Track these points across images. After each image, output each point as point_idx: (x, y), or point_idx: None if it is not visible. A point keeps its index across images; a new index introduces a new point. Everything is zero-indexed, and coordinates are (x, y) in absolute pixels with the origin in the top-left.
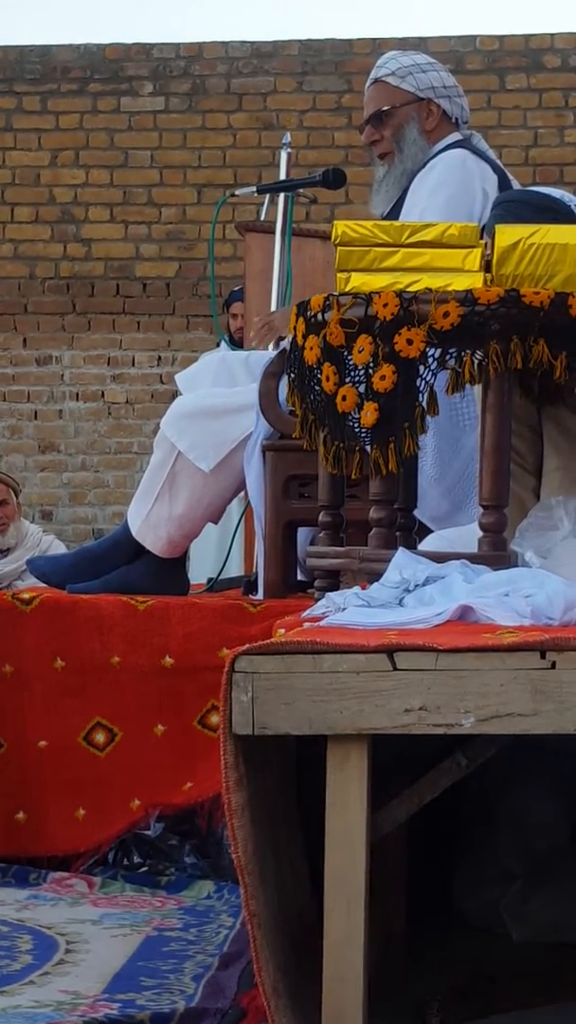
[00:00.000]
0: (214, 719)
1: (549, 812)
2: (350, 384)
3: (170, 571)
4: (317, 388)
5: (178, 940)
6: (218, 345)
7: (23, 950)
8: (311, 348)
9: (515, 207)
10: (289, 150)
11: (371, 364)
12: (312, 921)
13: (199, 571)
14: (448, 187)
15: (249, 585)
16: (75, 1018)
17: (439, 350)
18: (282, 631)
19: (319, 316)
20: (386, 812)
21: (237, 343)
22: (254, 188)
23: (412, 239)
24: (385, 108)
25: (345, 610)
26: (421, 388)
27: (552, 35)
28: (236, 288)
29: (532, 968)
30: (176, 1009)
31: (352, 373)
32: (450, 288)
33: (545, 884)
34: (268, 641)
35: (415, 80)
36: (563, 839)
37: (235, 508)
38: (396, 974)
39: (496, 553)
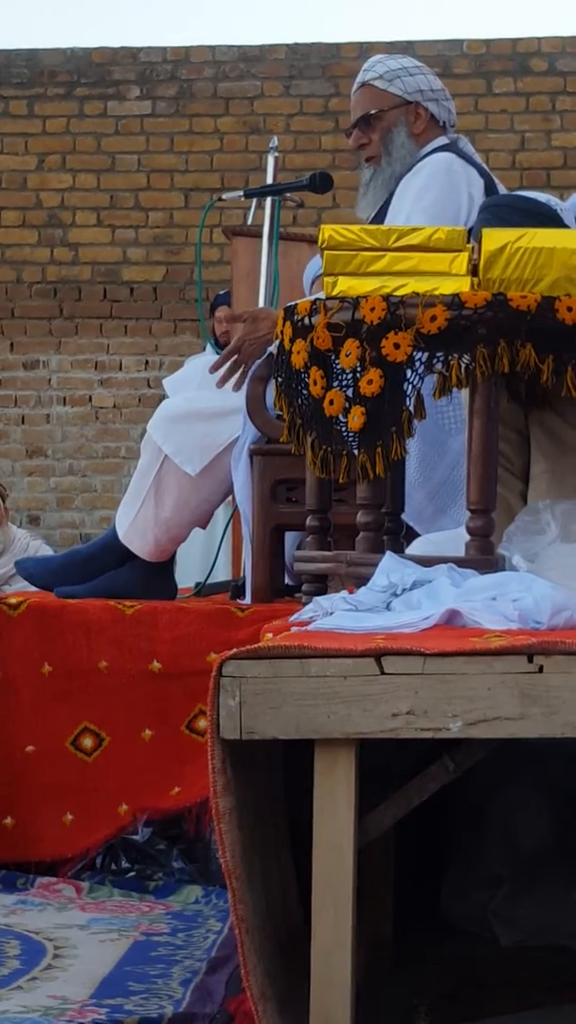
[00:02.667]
0: (202, 724)
1: (536, 816)
2: (337, 388)
3: (158, 575)
4: (304, 392)
5: (166, 945)
6: (204, 349)
7: (11, 955)
8: (298, 352)
9: (502, 211)
10: (276, 154)
11: (358, 368)
12: (300, 926)
13: (186, 575)
14: (434, 191)
15: (237, 589)
16: (63, 1023)
17: (426, 354)
18: (270, 635)
19: (306, 320)
20: (374, 817)
21: (223, 347)
22: (241, 192)
23: (399, 243)
24: (373, 112)
25: (332, 614)
26: (408, 392)
27: (539, 39)
28: (222, 292)
29: (520, 972)
30: (164, 1014)
31: (339, 377)
32: (437, 292)
33: (533, 888)
34: (256, 646)
35: (403, 83)
36: (550, 843)
37: (221, 513)
38: (384, 979)
39: (483, 557)
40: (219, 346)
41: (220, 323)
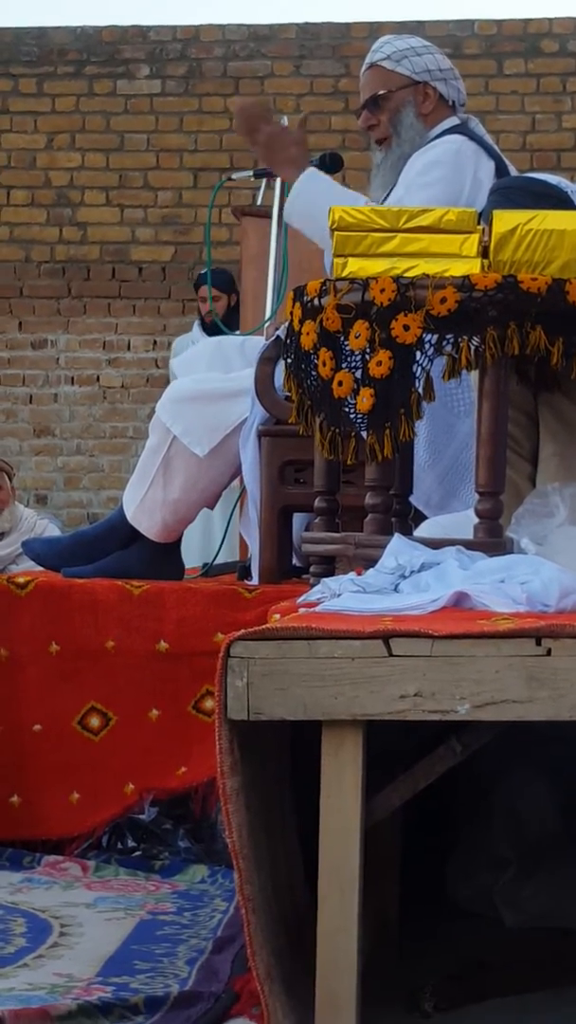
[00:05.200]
0: (208, 704)
1: (542, 798)
2: (346, 369)
3: (165, 556)
4: (313, 373)
5: (172, 924)
6: (164, 329)
7: (17, 933)
8: (307, 333)
9: (512, 193)
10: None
11: (367, 350)
12: (306, 906)
13: (193, 556)
14: (439, 170)
15: (244, 570)
16: (69, 1000)
17: (436, 336)
18: (277, 617)
19: (316, 301)
20: (381, 798)
21: (207, 326)
22: (251, 172)
23: (409, 224)
24: (381, 92)
25: (340, 596)
26: (417, 374)
27: (550, 20)
28: (203, 271)
29: (525, 954)
30: (170, 992)
31: (348, 359)
32: (447, 274)
33: (538, 870)
34: (263, 627)
35: (411, 64)
36: (556, 826)
37: (226, 493)
38: (389, 960)
39: (492, 540)
40: (205, 326)
41: (204, 302)
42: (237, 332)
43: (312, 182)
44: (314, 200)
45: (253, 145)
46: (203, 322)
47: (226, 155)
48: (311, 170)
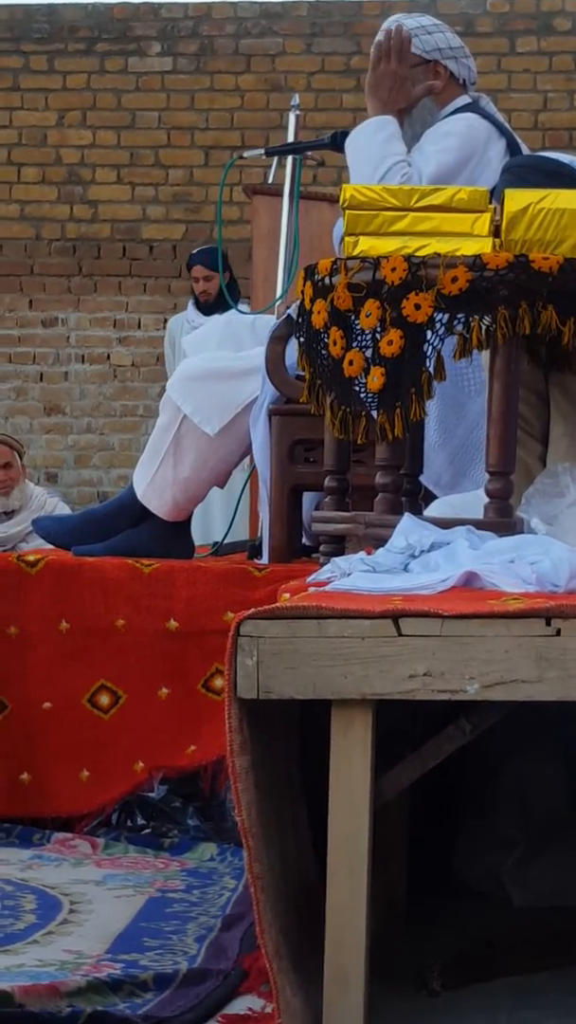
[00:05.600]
0: (218, 683)
1: (551, 779)
2: (357, 349)
3: (175, 534)
4: (324, 352)
5: (181, 902)
6: (175, 307)
7: (27, 909)
8: (318, 312)
9: (524, 172)
10: (297, 112)
11: (378, 329)
12: (314, 885)
13: (202, 535)
14: (451, 140)
15: (254, 549)
16: (78, 977)
17: (447, 315)
18: (287, 596)
19: (327, 280)
20: (390, 777)
21: (202, 305)
22: (262, 150)
23: (421, 203)
24: None
25: (350, 575)
26: (428, 353)
27: None
28: (195, 251)
29: (532, 933)
30: (179, 970)
31: (359, 338)
32: (459, 253)
33: (546, 850)
34: (273, 606)
35: (421, 42)
36: (564, 806)
37: (238, 472)
38: (397, 938)
39: (502, 520)
40: (200, 305)
41: (197, 282)
42: (242, 309)
43: (382, 126)
44: (372, 143)
45: (373, 66)
46: (197, 302)
47: (237, 133)
48: (387, 117)
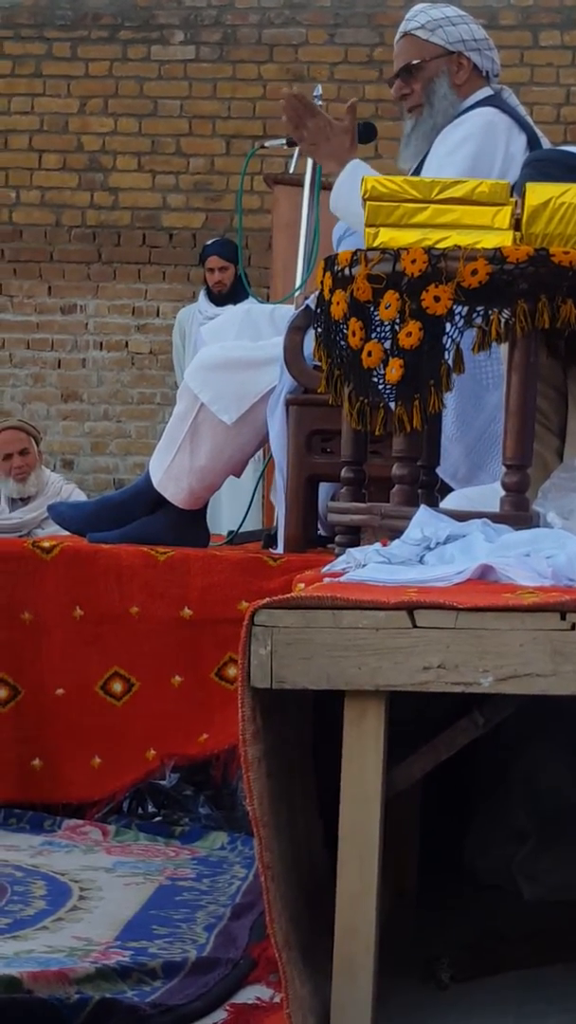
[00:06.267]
0: (231, 671)
1: (562, 772)
2: (376, 340)
3: (191, 523)
4: (343, 343)
5: (191, 890)
6: (194, 296)
7: (37, 895)
8: (338, 303)
9: (545, 166)
10: (320, 102)
11: (397, 320)
12: (325, 875)
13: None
14: (470, 145)
15: (269, 539)
16: (87, 964)
17: (466, 308)
18: (302, 586)
19: (346, 271)
20: (402, 769)
21: (215, 296)
22: (284, 140)
23: (442, 195)
24: (415, 62)
25: (365, 566)
26: (447, 346)
27: None
28: (210, 242)
29: (543, 926)
30: (188, 958)
31: (378, 329)
32: (479, 246)
33: (557, 843)
34: (288, 595)
35: (445, 33)
36: (575, 799)
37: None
38: (407, 930)
39: (518, 513)
40: (212, 296)
41: (212, 273)
42: (256, 300)
43: (355, 175)
44: (355, 194)
45: (299, 139)
46: (210, 292)
47: (259, 122)
48: (355, 163)
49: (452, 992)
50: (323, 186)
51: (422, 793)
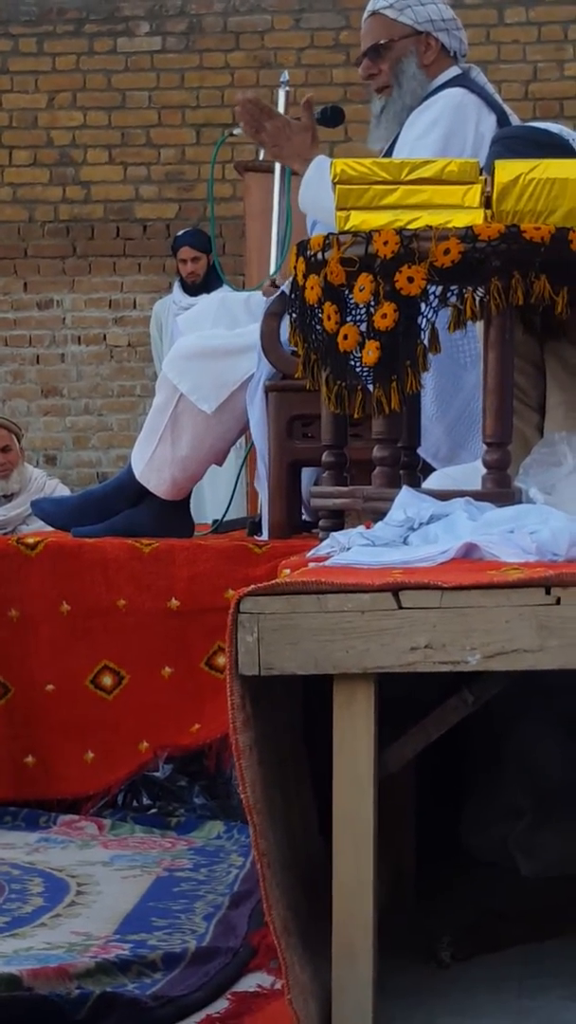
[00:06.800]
0: (220, 660)
1: (556, 747)
2: (351, 323)
3: (174, 513)
4: (318, 328)
5: (188, 880)
6: (170, 287)
7: (34, 892)
8: (312, 288)
9: (514, 143)
10: (287, 88)
11: (372, 302)
12: (321, 860)
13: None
14: (440, 127)
15: (254, 526)
16: (87, 959)
17: (440, 287)
18: (287, 571)
19: (319, 255)
20: (393, 750)
21: (189, 287)
22: None
23: (411, 176)
24: (383, 41)
25: (349, 549)
26: (423, 326)
27: None
28: (181, 232)
29: (541, 902)
30: (187, 948)
31: (353, 312)
32: (450, 225)
33: (553, 819)
34: (273, 582)
35: (413, 13)
36: (570, 774)
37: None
38: (406, 911)
39: (500, 490)
40: (186, 286)
41: (185, 263)
42: (231, 288)
43: (320, 171)
44: (323, 190)
45: (259, 142)
46: (184, 283)
47: (228, 111)
48: (319, 159)
49: (453, 971)
50: (294, 172)
51: (416, 774)
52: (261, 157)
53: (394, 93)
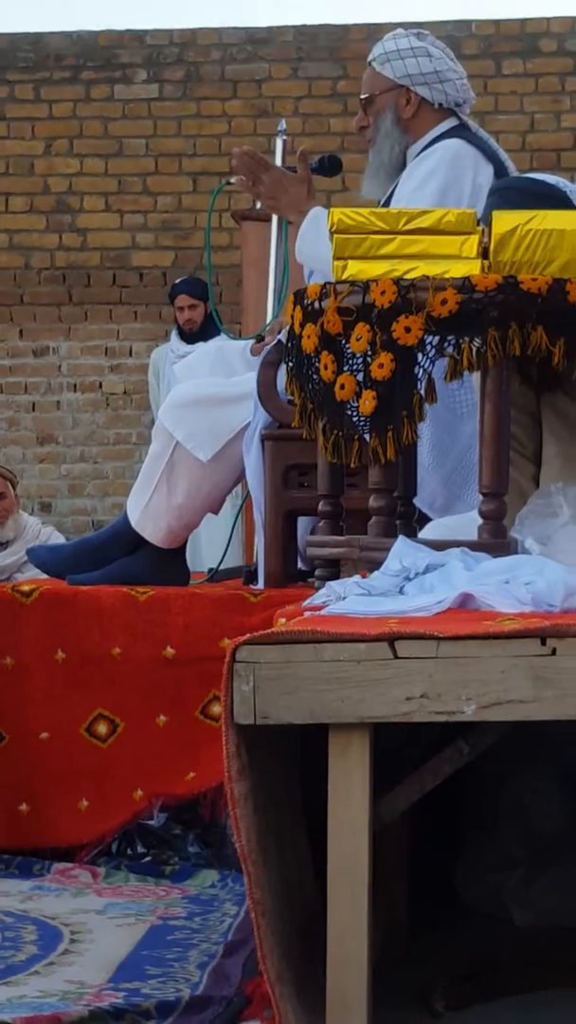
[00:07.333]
0: (216, 709)
1: (551, 798)
2: (348, 372)
3: (170, 561)
4: (315, 377)
5: (182, 929)
6: (167, 335)
7: (28, 940)
8: (308, 336)
9: (510, 194)
10: (284, 137)
11: (369, 352)
12: (316, 908)
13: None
14: (438, 177)
15: (249, 575)
16: (81, 1007)
17: (437, 337)
18: (283, 621)
19: (316, 304)
20: (389, 800)
21: (186, 335)
22: None
23: (409, 226)
24: (366, 95)
25: (346, 599)
26: (419, 376)
27: (548, 19)
28: (178, 281)
29: (535, 953)
30: (181, 997)
31: (350, 361)
32: (447, 275)
33: (547, 869)
34: (269, 631)
35: (392, 67)
36: (565, 824)
37: (230, 499)
38: (400, 961)
39: (496, 540)
40: (183, 334)
41: (182, 311)
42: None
43: (317, 223)
44: (320, 241)
45: (256, 195)
46: (181, 331)
47: (225, 159)
48: (315, 210)
49: (447, 1021)
50: (290, 223)
51: (412, 822)
52: (258, 206)
53: (377, 146)
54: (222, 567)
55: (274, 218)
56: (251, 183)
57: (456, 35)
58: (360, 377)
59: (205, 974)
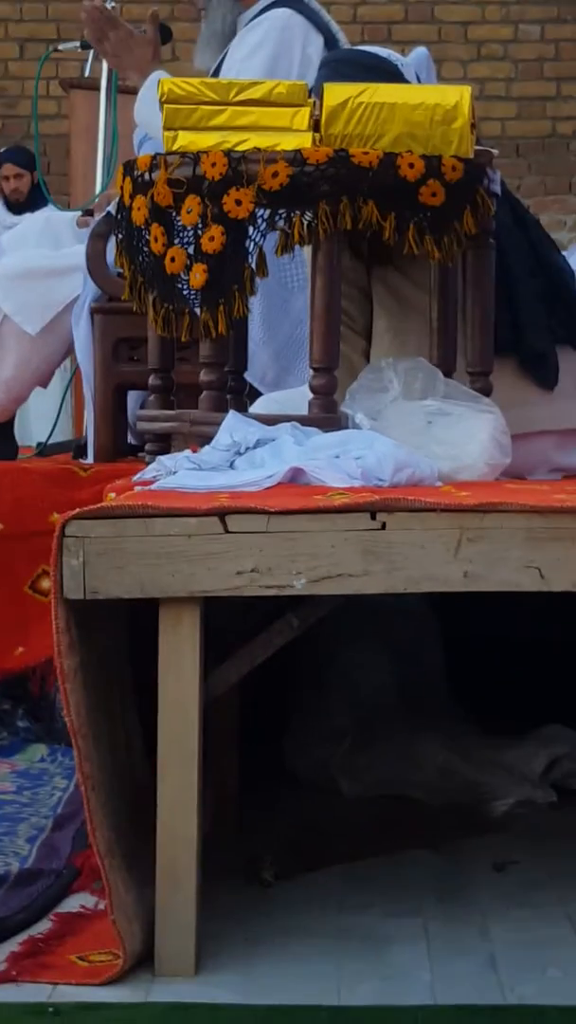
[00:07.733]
0: (45, 584)
1: (379, 669)
2: (179, 245)
3: None
4: (145, 249)
5: (12, 803)
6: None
7: None
8: (139, 208)
9: (341, 66)
10: (113, 4)
11: (200, 225)
12: (147, 784)
13: (27, 436)
14: (267, 48)
15: (79, 449)
16: None
17: (268, 211)
18: (112, 495)
19: (146, 176)
20: (219, 673)
21: (13, 205)
22: (78, 43)
23: (240, 97)
24: None
25: (176, 473)
26: (250, 249)
27: None
28: (4, 149)
29: (361, 822)
30: (10, 871)
31: (181, 234)
32: (279, 148)
33: (373, 741)
34: (98, 505)
35: None
36: (392, 697)
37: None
38: (230, 833)
39: (326, 415)
40: (9, 205)
41: (7, 180)
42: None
43: (156, 87)
44: (157, 106)
45: (102, 51)
46: (7, 201)
47: (52, 25)
48: (156, 73)
49: (276, 890)
50: (120, 89)
51: (242, 697)
52: (87, 73)
53: (208, 15)
54: (51, 441)
55: (103, 87)
56: (97, 39)
57: None
58: (191, 250)
59: (35, 848)
